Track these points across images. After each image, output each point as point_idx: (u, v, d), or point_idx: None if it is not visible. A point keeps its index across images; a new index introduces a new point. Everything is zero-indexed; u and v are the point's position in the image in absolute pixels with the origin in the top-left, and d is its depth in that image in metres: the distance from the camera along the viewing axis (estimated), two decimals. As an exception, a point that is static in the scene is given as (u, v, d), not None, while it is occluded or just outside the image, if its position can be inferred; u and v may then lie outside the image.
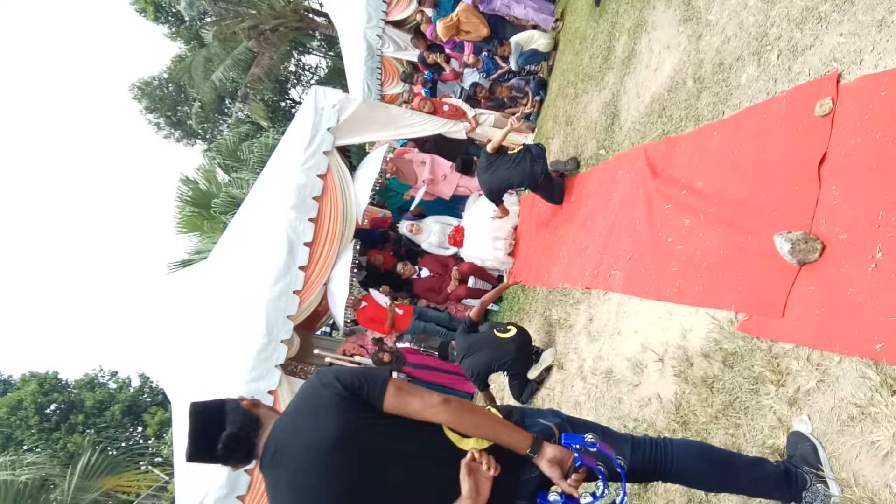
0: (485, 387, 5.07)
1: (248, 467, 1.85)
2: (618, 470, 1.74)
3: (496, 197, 6.03)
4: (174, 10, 20.69)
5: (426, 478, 1.68)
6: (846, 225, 2.23)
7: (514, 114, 7.68)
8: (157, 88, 24.17)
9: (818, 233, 2.34)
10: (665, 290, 3.28)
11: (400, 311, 7.06)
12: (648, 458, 1.91)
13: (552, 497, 1.68)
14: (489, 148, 5.74)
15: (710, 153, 3.26)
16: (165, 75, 23.57)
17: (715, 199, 3.04)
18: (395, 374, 6.71)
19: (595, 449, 1.73)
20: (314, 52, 23.60)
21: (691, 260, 3.11)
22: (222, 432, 1.70)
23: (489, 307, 7.17)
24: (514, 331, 4.87)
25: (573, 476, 1.64)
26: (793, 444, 2.10)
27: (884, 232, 2.06)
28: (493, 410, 1.90)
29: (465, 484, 1.60)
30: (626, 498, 1.74)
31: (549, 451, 1.67)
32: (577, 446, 1.72)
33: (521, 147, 5.71)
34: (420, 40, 8.91)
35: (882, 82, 2.21)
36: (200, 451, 1.71)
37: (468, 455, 1.63)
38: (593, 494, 1.66)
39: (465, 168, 6.45)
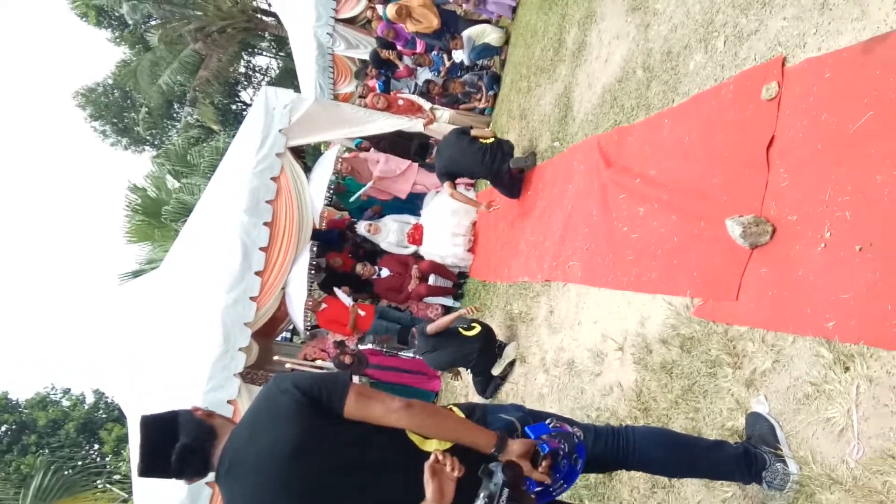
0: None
1: (205, 480, 1.77)
2: (576, 441, 1.73)
3: (451, 178, 5.96)
4: (117, 14, 20.07)
5: (389, 483, 1.64)
6: (795, 206, 2.26)
7: (469, 109, 7.69)
8: (101, 95, 23.43)
9: (768, 215, 2.37)
10: (622, 279, 3.30)
11: (362, 313, 6.97)
12: (611, 447, 1.91)
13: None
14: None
15: (661, 141, 3.29)
16: (110, 81, 22.86)
17: (668, 187, 3.07)
18: (357, 378, 6.65)
19: (557, 431, 1.73)
20: (264, 53, 23.21)
21: (647, 248, 3.13)
22: (175, 444, 1.63)
23: (451, 305, 7.15)
24: (478, 328, 4.85)
25: (542, 464, 1.63)
26: (751, 424, 2.13)
27: (831, 212, 2.09)
28: (456, 410, 1.87)
29: (428, 487, 1.56)
30: (583, 462, 1.75)
31: (515, 447, 1.64)
32: (542, 436, 1.72)
33: (494, 139, 5.68)
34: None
35: (826, 65, 2.25)
36: (153, 465, 1.64)
37: (431, 457, 1.59)
38: (557, 469, 1.66)
39: (422, 152, 6.36)
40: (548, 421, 1.79)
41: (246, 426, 1.67)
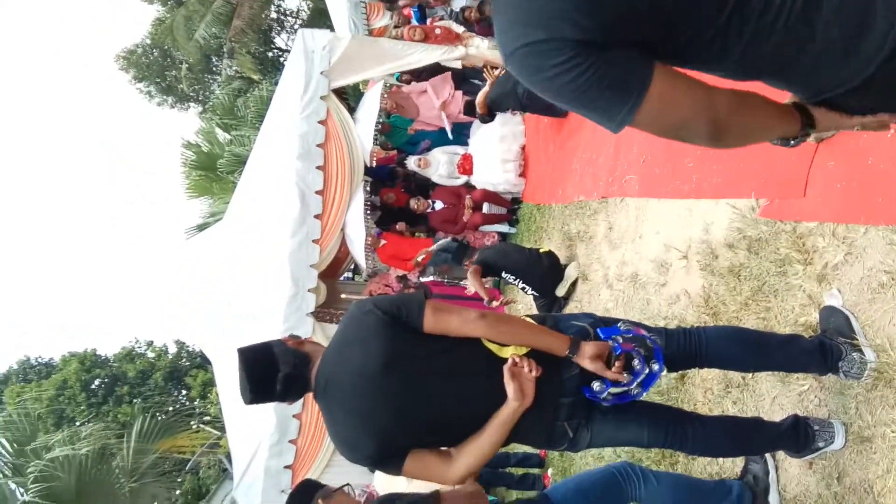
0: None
1: (295, 412, 1.95)
2: (652, 346, 1.80)
3: (490, 113, 5.93)
4: (145, -29, 20.05)
5: (473, 388, 1.76)
6: (863, 94, 2.18)
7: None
8: (142, 56, 23.65)
9: (835, 106, 2.29)
10: (683, 188, 3.27)
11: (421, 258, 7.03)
12: (683, 346, 1.96)
13: (596, 386, 1.75)
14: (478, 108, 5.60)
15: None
16: (148, 41, 23.04)
17: (725, 84, 2.98)
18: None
19: (631, 334, 1.79)
20: (294, -4, 22.87)
21: (707, 153, 3.08)
22: (276, 373, 1.78)
23: (507, 231, 7.20)
24: (546, 247, 4.89)
25: (616, 364, 1.71)
26: (825, 318, 2.13)
27: (902, 95, 2.02)
28: (528, 319, 1.96)
29: (510, 387, 1.68)
30: (662, 366, 1.81)
31: (588, 348, 1.73)
32: (614, 336, 1.79)
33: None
34: None
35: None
36: (259, 392, 1.79)
37: (509, 360, 1.70)
38: (634, 373, 1.73)
39: (470, 110, 6.35)
40: (619, 324, 1.85)
41: (336, 348, 1.81)
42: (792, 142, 1.28)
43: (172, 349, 26.06)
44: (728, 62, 1.06)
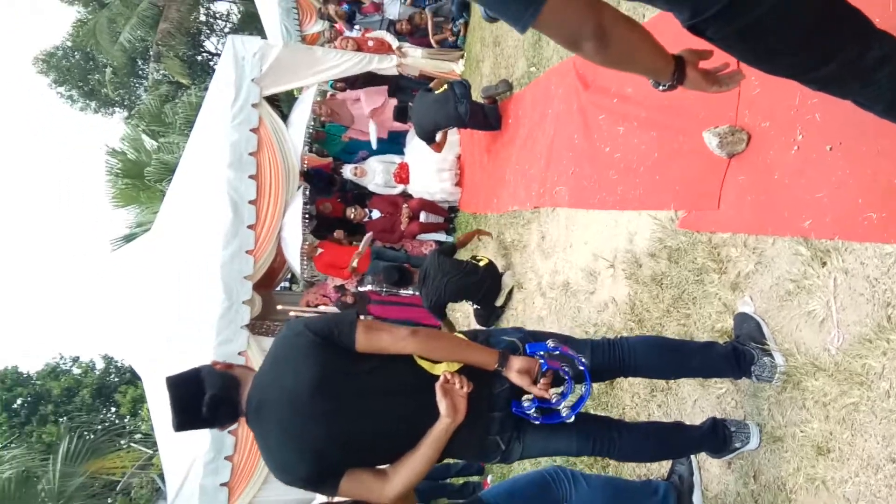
0: (444, 315, 5.09)
1: (231, 428, 1.92)
2: (580, 367, 1.87)
3: (428, 136, 5.95)
4: (64, -29, 19.16)
5: (406, 406, 1.79)
6: (767, 113, 2.33)
7: (441, 40, 7.55)
8: (62, 59, 22.58)
9: (743, 124, 2.44)
10: (608, 199, 3.39)
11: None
12: (608, 357, 2.05)
13: (525, 403, 1.81)
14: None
15: (636, 58, 3.30)
16: (69, 43, 22.01)
17: (645, 104, 3.11)
18: (362, 316, 6.81)
19: (558, 352, 1.86)
20: (223, -1, 22.33)
21: (629, 166, 3.21)
22: (204, 396, 1.75)
23: (443, 239, 7.25)
24: (486, 260, 4.94)
25: (541, 381, 1.77)
26: (739, 324, 2.26)
27: (802, 115, 2.17)
28: (460, 335, 2.00)
29: (442, 404, 1.72)
30: (590, 389, 1.90)
31: (516, 362, 1.78)
32: (542, 353, 1.85)
33: (445, 86, 5.62)
34: None
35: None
36: (187, 418, 1.77)
37: (441, 377, 1.74)
38: (562, 394, 1.81)
39: (402, 115, 6.38)
40: (549, 341, 1.91)
41: (267, 370, 1.81)
42: (661, 86, 1.41)
43: (100, 365, 24.92)
44: None
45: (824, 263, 1.99)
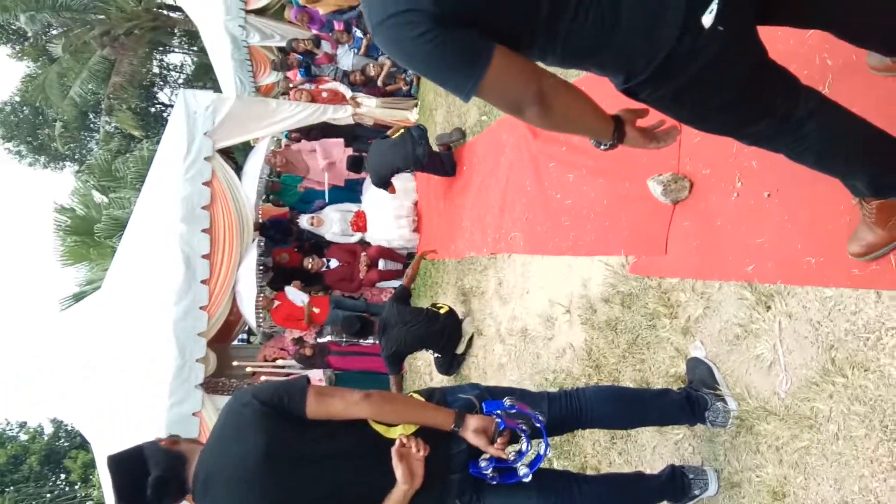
0: (399, 367, 5.00)
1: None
2: (537, 424, 1.84)
3: (384, 181, 5.98)
4: (14, 27, 18.89)
5: (361, 472, 1.73)
6: (708, 161, 2.40)
7: (394, 90, 7.65)
8: (10, 114, 22.17)
9: (685, 171, 2.51)
10: (561, 245, 3.42)
11: (317, 310, 6.93)
12: (565, 409, 2.03)
13: (482, 463, 1.77)
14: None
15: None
16: (17, 98, 21.64)
17: (592, 153, 3.18)
18: (321, 369, 6.67)
19: (514, 410, 1.83)
20: (176, 50, 22.31)
21: (580, 212, 3.26)
22: (148, 477, 1.67)
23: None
24: (446, 307, 4.90)
25: (498, 441, 1.74)
26: (691, 369, 2.28)
27: (740, 163, 2.24)
28: (416, 396, 1.96)
29: (398, 470, 1.67)
30: (548, 448, 1.88)
31: (472, 422, 1.75)
32: (498, 412, 1.82)
33: (402, 130, 5.70)
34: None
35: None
36: (130, 501, 1.68)
37: (397, 442, 1.69)
38: (519, 452, 1.78)
39: (356, 166, 6.42)
40: (505, 399, 1.88)
41: (214, 443, 1.74)
42: (602, 146, 1.46)
43: (49, 429, 23.77)
44: (557, 47, 1.24)
45: (769, 307, 2.03)
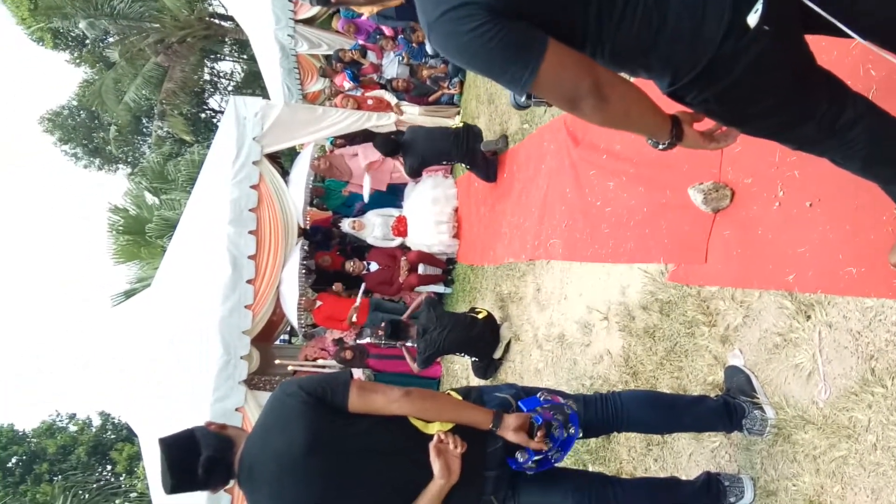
0: (429, 366, 5.07)
1: (227, 487, 1.91)
2: (568, 412, 1.89)
3: (423, 168, 6.12)
4: (73, 34, 19.77)
5: (399, 467, 1.79)
6: (750, 170, 2.41)
7: (437, 98, 7.76)
8: (68, 118, 23.13)
9: (726, 180, 2.51)
10: (600, 252, 3.45)
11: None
12: (601, 413, 2.07)
13: (520, 457, 1.81)
14: None
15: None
16: (75, 103, 22.58)
17: (633, 160, 3.21)
18: (360, 370, 6.79)
19: (549, 404, 1.88)
20: (227, 58, 23.00)
21: (620, 220, 3.28)
22: (198, 457, 1.75)
23: (442, 291, 7.29)
24: (485, 312, 4.96)
25: (538, 435, 1.78)
26: (729, 377, 2.28)
27: (782, 172, 2.24)
28: (453, 394, 2.02)
29: (436, 465, 1.72)
30: (579, 430, 1.91)
31: (511, 420, 1.80)
32: (536, 409, 1.87)
33: (462, 124, 5.84)
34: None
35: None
36: (182, 480, 1.75)
37: (435, 438, 1.74)
38: (553, 438, 1.81)
39: (387, 146, 6.36)
40: (539, 394, 1.94)
41: (260, 432, 1.81)
42: (661, 145, 1.43)
43: (97, 421, 24.59)
44: (605, 47, 1.24)
45: (809, 317, 2.03)
